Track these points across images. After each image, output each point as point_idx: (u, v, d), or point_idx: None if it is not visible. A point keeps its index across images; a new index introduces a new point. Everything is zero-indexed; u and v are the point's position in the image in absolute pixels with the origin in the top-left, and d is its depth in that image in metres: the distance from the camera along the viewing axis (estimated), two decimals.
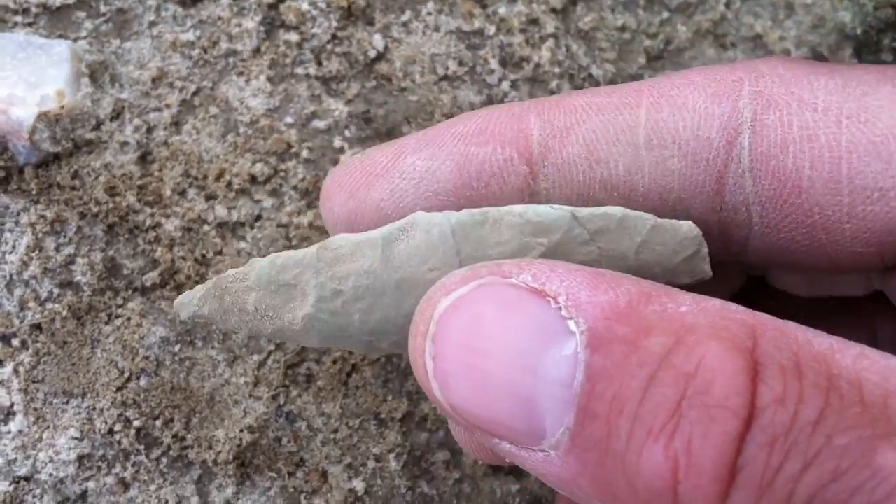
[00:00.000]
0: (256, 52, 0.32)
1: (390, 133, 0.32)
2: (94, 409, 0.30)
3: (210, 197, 0.31)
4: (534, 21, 0.33)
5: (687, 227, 0.21)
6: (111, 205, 0.31)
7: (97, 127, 0.31)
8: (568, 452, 0.18)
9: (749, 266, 0.25)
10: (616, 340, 0.17)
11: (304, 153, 0.32)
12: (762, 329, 0.17)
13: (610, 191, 0.22)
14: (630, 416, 0.17)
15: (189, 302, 0.23)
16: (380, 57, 0.33)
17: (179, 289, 0.31)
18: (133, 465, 0.30)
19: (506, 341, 0.18)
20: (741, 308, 0.18)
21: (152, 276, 0.31)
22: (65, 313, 0.30)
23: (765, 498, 0.16)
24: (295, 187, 0.32)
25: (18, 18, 0.31)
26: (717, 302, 0.18)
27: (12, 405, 0.30)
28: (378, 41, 0.33)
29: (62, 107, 0.29)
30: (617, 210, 0.21)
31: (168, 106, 0.32)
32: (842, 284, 0.25)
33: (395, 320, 0.22)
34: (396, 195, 0.23)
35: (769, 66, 0.21)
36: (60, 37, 0.31)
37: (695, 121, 0.21)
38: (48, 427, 0.30)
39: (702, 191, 0.21)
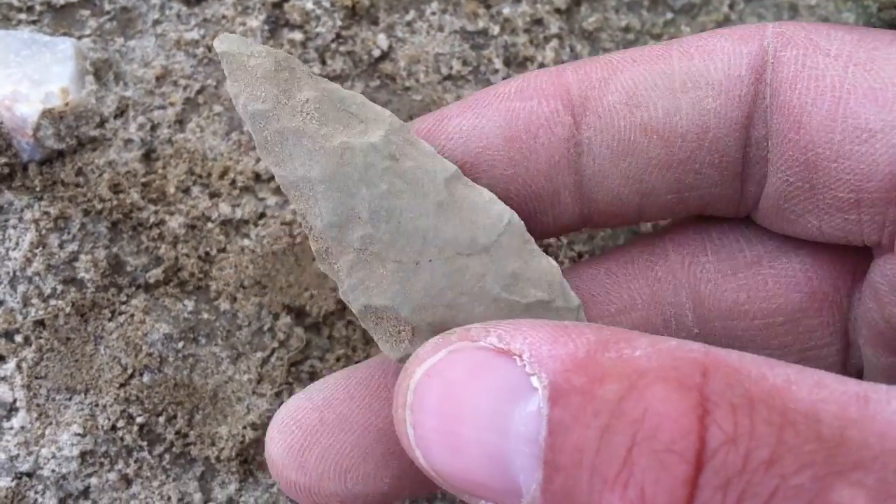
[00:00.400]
0: None
1: None
2: (96, 405, 0.30)
3: (214, 195, 0.31)
4: (538, 21, 0.33)
5: None
6: (115, 202, 0.31)
7: (101, 124, 0.31)
8: None
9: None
10: (574, 391, 0.17)
11: None
12: (714, 366, 0.17)
13: (650, 134, 0.22)
14: (588, 467, 0.17)
15: (239, 41, 0.21)
16: (384, 56, 0.33)
17: (183, 286, 0.31)
18: (136, 462, 0.30)
19: (476, 404, 0.19)
20: (697, 345, 0.18)
21: (156, 273, 0.31)
22: (68, 310, 0.30)
23: None
24: None
25: (23, 16, 0.31)
26: (674, 342, 0.18)
27: (15, 401, 0.30)
28: (382, 41, 0.33)
29: (66, 104, 0.29)
30: None
31: (172, 104, 0.32)
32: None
33: (403, 218, 0.21)
34: (444, 156, 0.23)
35: (793, 21, 0.22)
36: (65, 35, 0.31)
37: (724, 61, 0.22)
38: (51, 423, 0.30)
39: (735, 128, 0.22)
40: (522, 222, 0.22)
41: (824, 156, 0.21)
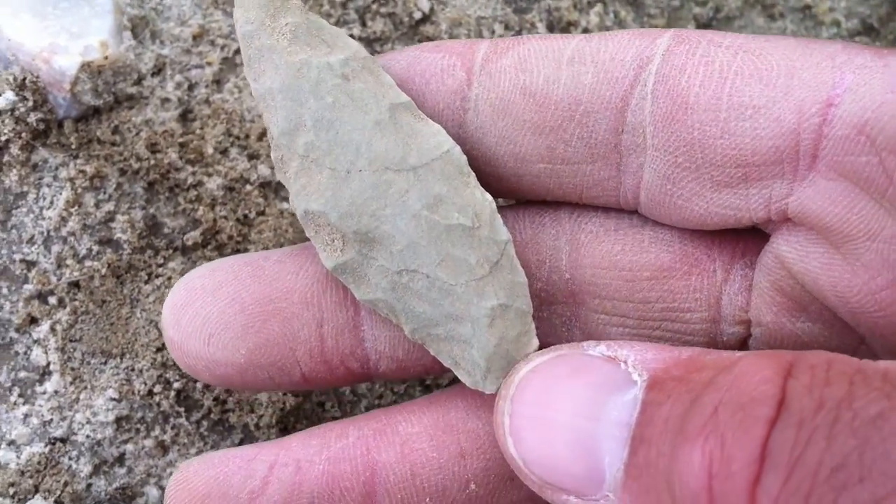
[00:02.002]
0: None
1: None
2: (132, 369, 0.29)
3: (252, 156, 0.31)
4: None
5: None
6: (152, 162, 0.30)
7: (138, 82, 0.30)
8: (623, 489, 0.19)
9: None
10: (670, 379, 0.19)
11: None
12: (803, 352, 0.18)
13: (527, 97, 0.24)
14: (674, 432, 0.18)
15: None
16: (425, 19, 0.32)
17: (220, 249, 0.30)
18: (173, 428, 0.29)
19: (573, 394, 0.20)
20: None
21: (194, 236, 0.30)
22: (104, 271, 0.29)
23: (794, 473, 0.16)
24: None
25: None
26: (768, 350, 0.20)
27: (48, 364, 0.29)
28: (424, 3, 0.32)
29: (106, 57, 0.29)
30: None
31: (209, 64, 0.31)
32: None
33: (342, 129, 0.23)
34: None
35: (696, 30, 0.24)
36: None
37: (615, 48, 0.23)
38: (85, 388, 0.29)
39: (607, 106, 0.23)
40: (465, 157, 0.23)
41: (711, 133, 0.22)
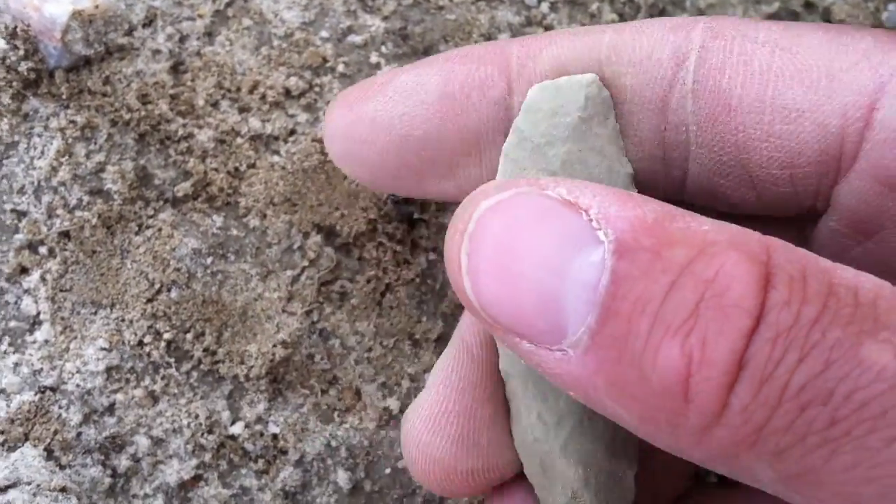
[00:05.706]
0: None
1: (427, 51, 0.32)
2: (123, 320, 0.29)
3: (243, 109, 0.31)
4: None
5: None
6: (143, 113, 0.30)
7: (129, 32, 0.30)
8: (587, 351, 0.19)
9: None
10: (642, 250, 0.18)
11: (340, 68, 0.31)
12: (775, 246, 0.18)
13: None
14: (651, 316, 0.18)
15: None
16: None
17: (211, 201, 0.30)
18: (163, 378, 0.29)
19: (538, 244, 0.19)
20: (756, 232, 0.19)
21: (184, 187, 0.30)
22: (94, 221, 0.29)
23: (764, 387, 0.17)
24: (330, 102, 0.31)
25: None
26: (735, 226, 0.19)
27: (39, 314, 0.29)
28: None
29: (96, 6, 0.28)
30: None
31: (201, 16, 0.31)
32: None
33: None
34: (389, 106, 0.25)
35: (725, 16, 0.24)
36: None
37: (650, 45, 0.23)
38: (76, 337, 0.29)
39: (649, 107, 0.23)
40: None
41: (755, 136, 0.22)
